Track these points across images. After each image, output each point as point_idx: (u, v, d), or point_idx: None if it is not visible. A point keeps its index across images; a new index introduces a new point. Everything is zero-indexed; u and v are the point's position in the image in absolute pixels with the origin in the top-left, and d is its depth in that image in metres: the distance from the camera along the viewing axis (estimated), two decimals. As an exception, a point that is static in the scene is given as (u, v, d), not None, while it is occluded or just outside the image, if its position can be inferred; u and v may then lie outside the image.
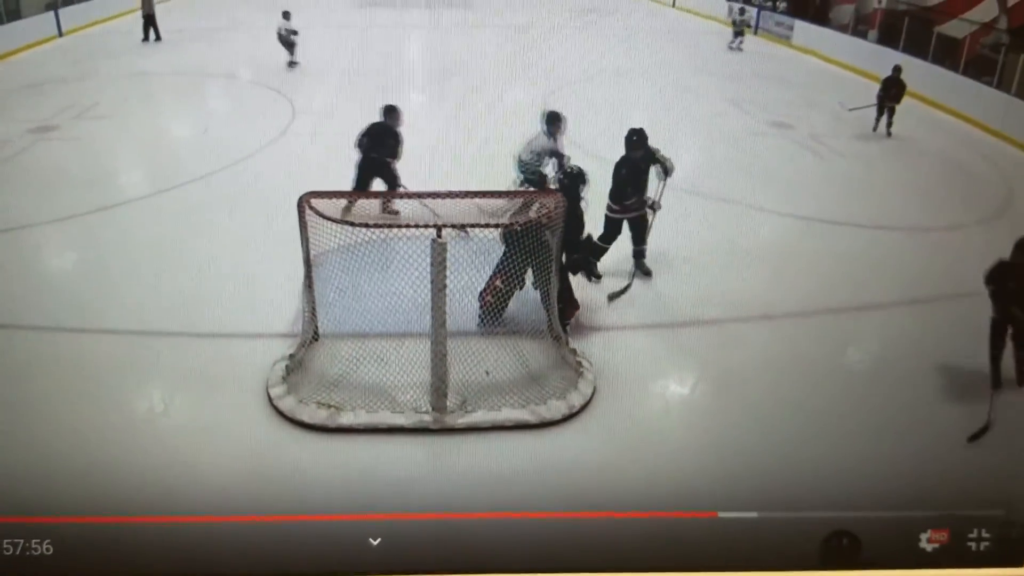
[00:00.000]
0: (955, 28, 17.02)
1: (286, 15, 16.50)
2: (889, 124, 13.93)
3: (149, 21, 20.26)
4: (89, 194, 9.53)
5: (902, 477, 5.24)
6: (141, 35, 20.17)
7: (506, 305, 6.66)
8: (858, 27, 20.77)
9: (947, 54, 16.08)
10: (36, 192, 9.74)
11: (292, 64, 16.67)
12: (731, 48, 20.64)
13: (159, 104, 14.21)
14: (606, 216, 7.66)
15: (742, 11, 21.04)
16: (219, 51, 20.22)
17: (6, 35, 19.26)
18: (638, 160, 7.55)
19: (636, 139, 7.56)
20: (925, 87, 15.91)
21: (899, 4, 19.50)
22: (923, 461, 5.43)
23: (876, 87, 17.26)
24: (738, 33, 20.83)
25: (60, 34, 21.45)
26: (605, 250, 7.70)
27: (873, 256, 8.43)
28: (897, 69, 13.96)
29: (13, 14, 21.19)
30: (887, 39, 18.66)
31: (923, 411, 6.02)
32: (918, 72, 16.20)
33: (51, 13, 21.72)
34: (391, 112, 8.37)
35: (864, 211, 9.74)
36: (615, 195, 7.60)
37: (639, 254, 7.83)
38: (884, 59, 17.76)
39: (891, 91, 13.88)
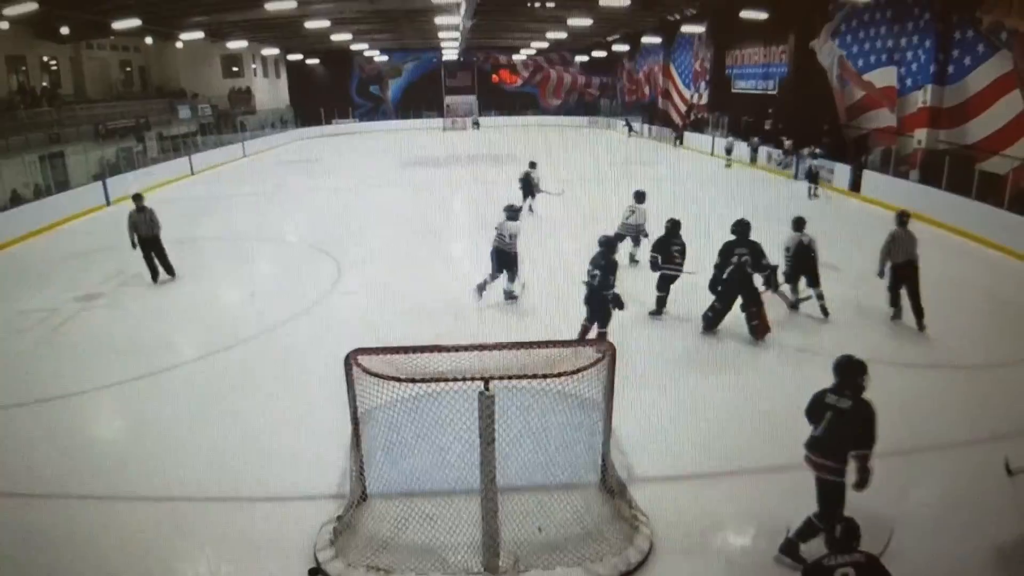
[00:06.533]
0: (997, 165, 17.18)
1: (533, 165, 19.54)
2: (659, 303, 10.97)
3: (151, 247, 13.46)
4: (133, 361, 9.77)
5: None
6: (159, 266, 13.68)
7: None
8: (899, 167, 21.02)
9: (990, 191, 16.13)
10: (81, 360, 10.03)
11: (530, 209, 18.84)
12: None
13: (206, 269, 14.74)
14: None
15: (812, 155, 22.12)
16: (263, 215, 21.11)
17: (55, 206, 20.51)
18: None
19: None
20: (970, 224, 15.96)
21: (939, 144, 19.79)
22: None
23: (921, 226, 17.32)
24: (812, 178, 21.53)
25: (108, 203, 22.72)
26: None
27: (927, 395, 8.23)
28: (674, 223, 10.85)
29: (62, 185, 22.44)
30: (929, 178, 18.83)
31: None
32: (962, 209, 16.32)
33: (99, 183, 23.05)
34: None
35: (915, 350, 9.58)
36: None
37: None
38: (926, 198, 17.94)
39: (669, 251, 10.72)
